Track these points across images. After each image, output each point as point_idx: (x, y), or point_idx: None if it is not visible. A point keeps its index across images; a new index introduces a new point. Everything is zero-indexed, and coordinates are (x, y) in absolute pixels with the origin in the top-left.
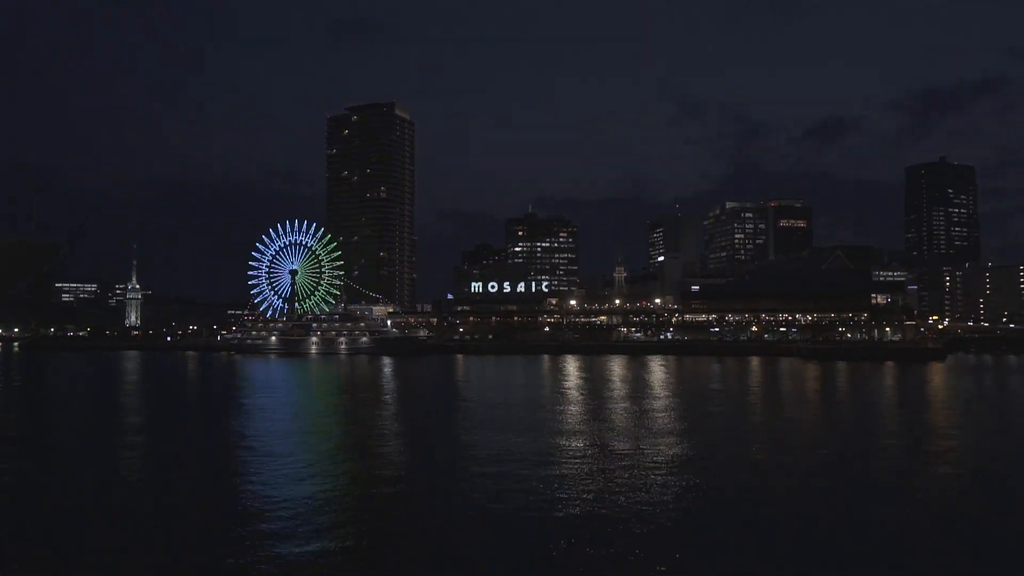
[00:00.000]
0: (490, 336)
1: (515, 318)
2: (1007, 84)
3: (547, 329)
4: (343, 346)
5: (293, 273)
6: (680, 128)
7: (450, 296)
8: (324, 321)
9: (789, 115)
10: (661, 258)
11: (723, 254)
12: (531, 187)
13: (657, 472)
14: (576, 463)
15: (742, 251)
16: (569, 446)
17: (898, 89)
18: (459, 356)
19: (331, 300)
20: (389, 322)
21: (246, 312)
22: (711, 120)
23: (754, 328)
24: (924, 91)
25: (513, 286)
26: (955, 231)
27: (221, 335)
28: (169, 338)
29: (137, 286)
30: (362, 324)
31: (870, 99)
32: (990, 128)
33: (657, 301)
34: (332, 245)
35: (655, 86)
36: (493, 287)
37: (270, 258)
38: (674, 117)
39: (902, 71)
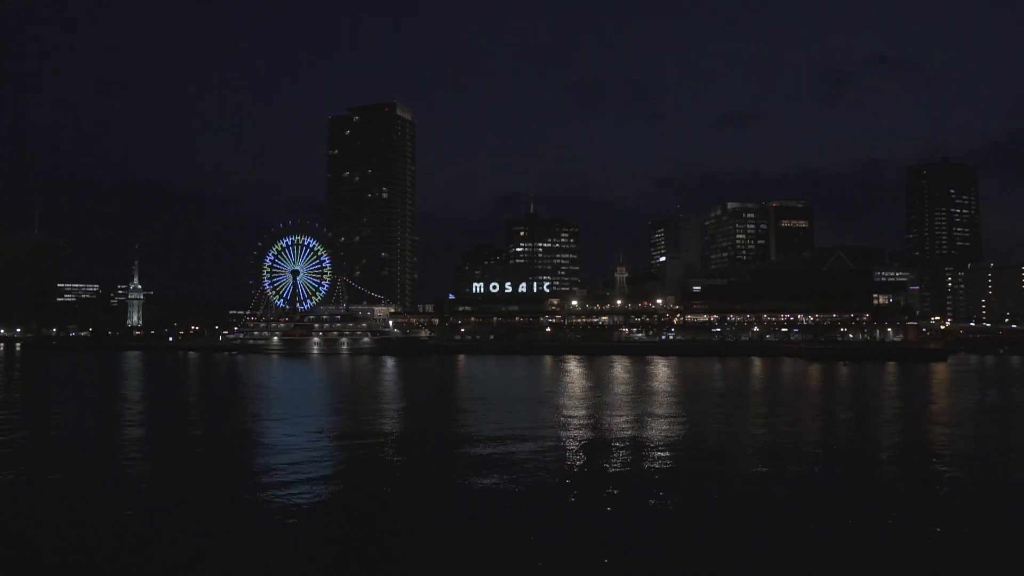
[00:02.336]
0: (492, 336)
1: (517, 318)
2: (914, 65)
3: (548, 330)
4: (345, 346)
5: (295, 273)
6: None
7: (452, 296)
8: (326, 321)
9: (696, 106)
10: (663, 258)
11: (724, 255)
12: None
13: (657, 468)
14: (577, 462)
15: (743, 251)
16: (571, 445)
17: (801, 74)
18: (461, 356)
19: (332, 300)
20: (391, 322)
21: (248, 312)
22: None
23: (756, 329)
24: (827, 75)
25: (515, 286)
26: (957, 231)
27: (223, 335)
28: (171, 338)
29: (139, 286)
30: (364, 324)
31: (775, 85)
32: (905, 115)
33: (659, 301)
34: (334, 245)
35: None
36: (495, 287)
37: (272, 258)
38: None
39: (804, 54)
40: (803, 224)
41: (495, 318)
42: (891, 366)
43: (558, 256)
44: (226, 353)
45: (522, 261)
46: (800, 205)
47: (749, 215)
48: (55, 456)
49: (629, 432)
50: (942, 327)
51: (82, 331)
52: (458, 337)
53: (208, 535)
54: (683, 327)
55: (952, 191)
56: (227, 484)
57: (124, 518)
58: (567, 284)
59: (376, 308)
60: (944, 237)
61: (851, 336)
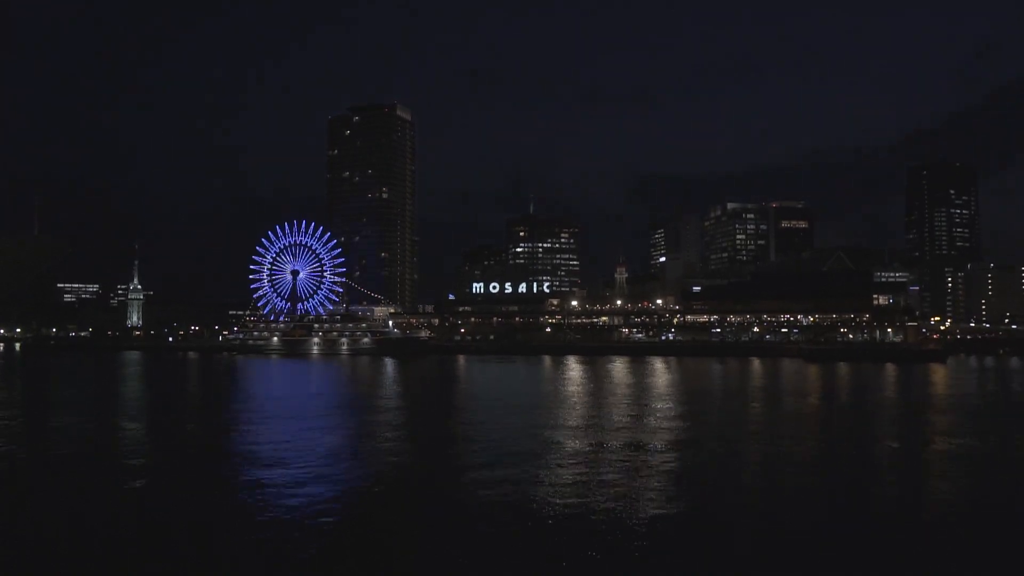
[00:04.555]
0: (491, 337)
1: (517, 319)
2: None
3: (548, 330)
4: (345, 347)
5: (295, 274)
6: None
7: (452, 297)
8: (326, 322)
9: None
10: (662, 259)
11: (724, 255)
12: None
13: (656, 470)
14: (576, 464)
15: (743, 252)
16: (570, 446)
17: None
18: (460, 357)
19: (332, 301)
20: (391, 323)
21: (248, 313)
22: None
23: (755, 329)
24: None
25: (515, 287)
26: (956, 231)
27: (223, 336)
28: (171, 339)
29: (139, 286)
30: (364, 325)
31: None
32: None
33: (659, 302)
34: (333, 244)
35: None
36: (495, 288)
37: (272, 259)
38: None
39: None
40: (803, 224)
41: (495, 318)
42: (890, 367)
43: (558, 256)
44: (226, 353)
45: (522, 261)
46: (800, 205)
47: (749, 215)
48: (50, 460)
49: (628, 434)
50: (942, 327)
51: (82, 331)
52: (458, 337)
53: (207, 533)
54: (683, 327)
55: (952, 191)
56: (225, 483)
57: (123, 520)
58: (567, 284)
59: (376, 308)
60: (944, 237)
61: (851, 336)
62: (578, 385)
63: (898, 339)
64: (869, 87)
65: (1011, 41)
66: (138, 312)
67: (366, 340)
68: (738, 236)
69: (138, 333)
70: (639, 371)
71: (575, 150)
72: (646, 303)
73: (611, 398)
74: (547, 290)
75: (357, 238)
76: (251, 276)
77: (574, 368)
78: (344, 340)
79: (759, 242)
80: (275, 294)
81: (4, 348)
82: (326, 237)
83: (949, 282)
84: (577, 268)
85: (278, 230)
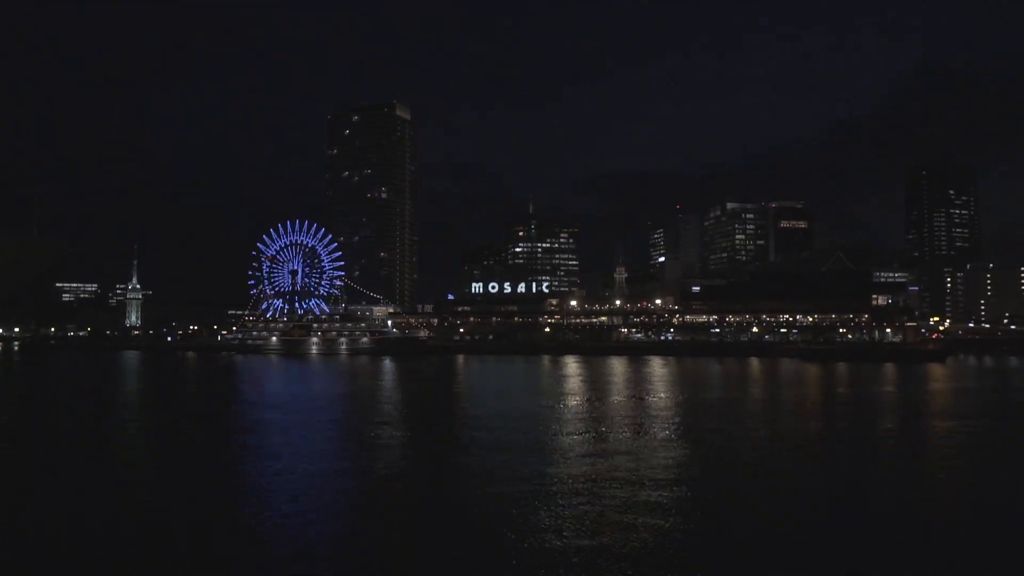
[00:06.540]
0: (491, 336)
1: (516, 319)
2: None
3: (548, 330)
4: (344, 346)
5: (294, 273)
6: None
7: (451, 296)
8: (325, 321)
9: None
10: (662, 259)
11: (724, 255)
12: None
13: (656, 472)
14: (576, 463)
15: (743, 252)
16: (570, 444)
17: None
18: (459, 356)
19: (332, 300)
20: (390, 322)
21: (247, 312)
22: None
23: (755, 329)
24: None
25: (514, 286)
26: (956, 232)
27: (222, 335)
28: (170, 338)
29: (138, 286)
30: (363, 324)
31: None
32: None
33: (658, 302)
34: (333, 245)
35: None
36: (494, 287)
37: (271, 258)
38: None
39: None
40: (802, 225)
41: (494, 318)
42: (889, 367)
43: (557, 256)
44: (224, 353)
45: (521, 261)
46: (799, 206)
47: (748, 215)
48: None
49: (628, 432)
50: (941, 328)
51: (81, 331)
52: (457, 337)
53: (207, 533)
54: (682, 327)
55: (951, 191)
56: (225, 484)
57: (123, 520)
58: (566, 284)
59: (375, 308)
60: (943, 237)
61: (850, 336)
62: (578, 384)
63: (897, 339)
64: (783, 81)
65: (915, 22)
66: (137, 312)
67: (365, 340)
68: (737, 236)
69: (137, 333)
70: (638, 370)
71: (564, 148)
72: (645, 303)
73: (610, 396)
74: (546, 290)
75: (357, 238)
76: (251, 275)
77: (573, 367)
78: (343, 340)
79: (758, 242)
80: (275, 294)
81: (3, 348)
82: (328, 238)
83: (948, 282)
84: (576, 268)
85: (280, 229)
